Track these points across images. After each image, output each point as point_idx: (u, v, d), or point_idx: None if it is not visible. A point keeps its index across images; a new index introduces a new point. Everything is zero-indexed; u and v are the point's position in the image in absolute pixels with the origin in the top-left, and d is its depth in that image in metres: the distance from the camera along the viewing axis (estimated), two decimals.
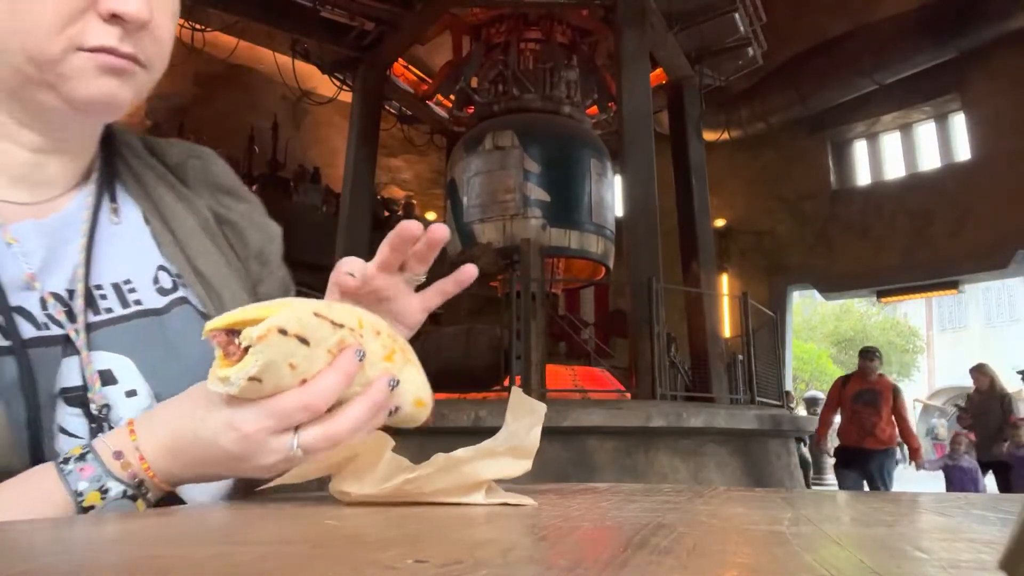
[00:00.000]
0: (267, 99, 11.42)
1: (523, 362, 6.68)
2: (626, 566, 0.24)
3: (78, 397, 0.53)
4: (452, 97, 10.76)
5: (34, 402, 0.52)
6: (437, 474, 0.45)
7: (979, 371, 6.98)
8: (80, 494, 0.46)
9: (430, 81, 11.13)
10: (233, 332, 0.43)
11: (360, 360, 0.45)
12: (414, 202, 13.82)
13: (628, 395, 7.39)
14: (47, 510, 0.45)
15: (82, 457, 0.48)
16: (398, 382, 0.47)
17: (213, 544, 0.31)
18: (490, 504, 0.46)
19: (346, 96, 10.44)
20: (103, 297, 0.59)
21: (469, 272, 0.58)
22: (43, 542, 0.32)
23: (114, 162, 0.66)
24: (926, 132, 12.04)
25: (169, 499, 0.56)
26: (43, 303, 0.56)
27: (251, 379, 0.43)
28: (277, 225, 0.77)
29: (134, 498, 0.47)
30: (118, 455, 0.47)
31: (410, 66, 11.15)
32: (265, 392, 0.44)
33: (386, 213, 12.91)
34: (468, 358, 6.87)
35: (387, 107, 11.19)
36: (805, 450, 9.45)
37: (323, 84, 10.62)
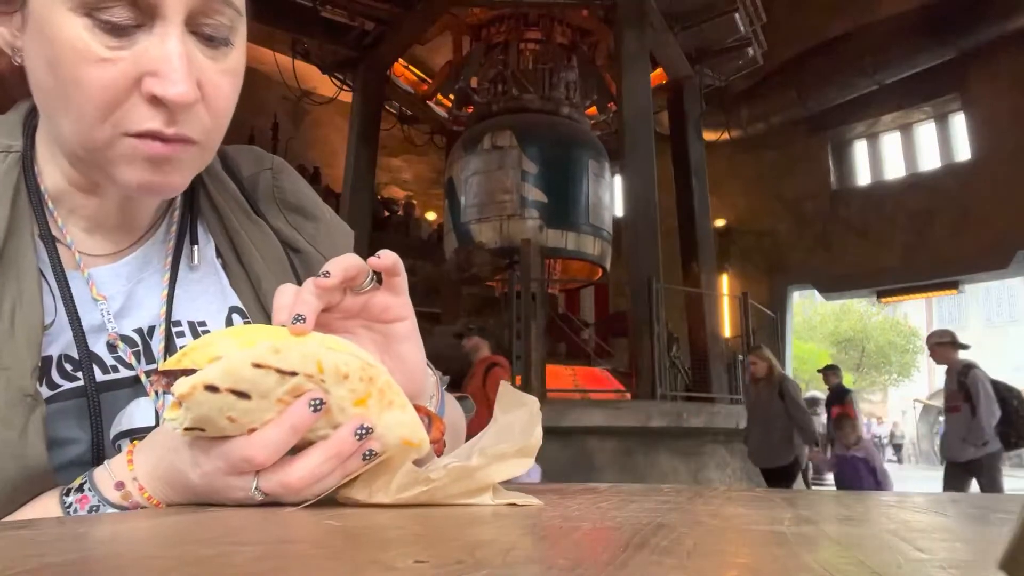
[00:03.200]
0: (267, 99, 11.42)
1: (523, 362, 6.68)
2: (626, 566, 0.24)
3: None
4: (452, 97, 10.76)
5: (99, 444, 0.54)
6: (451, 484, 0.45)
7: (755, 355, 5.53)
8: None
9: (430, 81, 11.14)
10: (176, 374, 0.41)
11: (315, 410, 0.42)
12: (414, 202, 13.83)
13: (628, 395, 7.39)
14: None
15: (80, 488, 0.48)
16: (369, 430, 0.43)
17: (213, 544, 0.31)
18: (498, 504, 0.46)
19: (346, 96, 10.44)
20: (180, 335, 0.60)
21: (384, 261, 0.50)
22: (44, 542, 0.32)
23: (194, 192, 0.65)
24: (926, 132, 12.05)
25: None
26: (111, 347, 0.56)
27: (189, 429, 0.42)
28: (349, 235, 0.75)
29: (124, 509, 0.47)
30: (119, 486, 0.47)
31: (410, 66, 11.16)
32: (213, 436, 0.43)
33: (386, 213, 12.91)
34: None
35: (387, 107, 11.19)
36: (804, 450, 9.43)
37: (323, 84, 10.62)
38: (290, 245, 0.68)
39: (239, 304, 0.64)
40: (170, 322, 0.60)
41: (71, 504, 0.47)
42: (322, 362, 0.42)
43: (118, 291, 0.59)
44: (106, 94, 0.49)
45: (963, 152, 11.22)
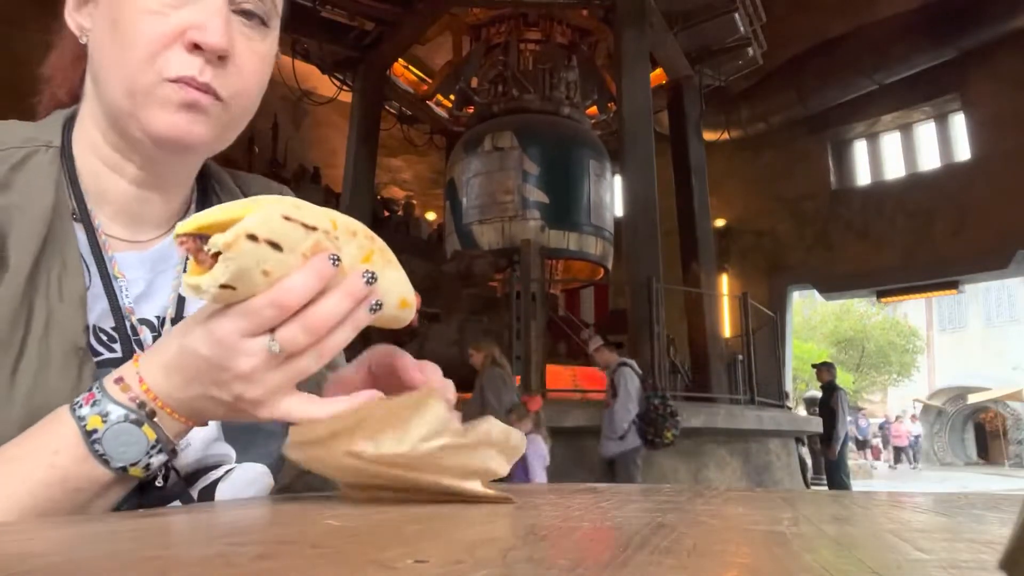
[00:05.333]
0: (267, 99, 11.30)
1: (523, 362, 6.68)
2: (626, 566, 0.24)
3: None
4: (452, 97, 10.76)
5: None
6: (469, 450, 0.45)
7: (473, 346, 5.33)
8: (83, 419, 0.48)
9: (430, 81, 11.14)
10: (203, 237, 0.42)
11: (334, 264, 0.44)
12: (414, 202, 13.83)
13: None
14: (55, 440, 0.48)
15: (88, 389, 0.50)
16: (375, 276, 0.46)
17: (213, 544, 0.31)
18: (483, 494, 0.46)
19: (346, 96, 10.44)
20: None
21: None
22: (43, 542, 0.32)
23: (208, 199, 0.71)
24: (926, 132, 12.05)
25: (186, 500, 0.57)
26: (133, 329, 0.60)
27: (223, 287, 0.42)
28: None
29: (139, 423, 0.48)
30: (119, 380, 0.49)
31: (410, 66, 11.16)
32: (240, 299, 0.44)
33: (386, 213, 12.91)
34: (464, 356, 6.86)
35: (387, 107, 11.19)
36: (804, 450, 9.43)
37: (323, 84, 10.62)
38: None
39: None
40: (180, 316, 0.63)
41: (78, 401, 0.49)
42: (335, 220, 0.45)
43: (140, 277, 0.63)
44: (153, 41, 0.56)
45: (963, 152, 11.23)
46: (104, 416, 0.48)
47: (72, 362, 0.54)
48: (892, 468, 20.92)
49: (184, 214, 0.69)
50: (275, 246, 0.42)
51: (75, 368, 0.54)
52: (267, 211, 0.42)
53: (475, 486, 0.46)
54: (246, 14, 0.60)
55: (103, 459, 0.48)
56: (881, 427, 22.69)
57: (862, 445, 21.75)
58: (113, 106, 0.59)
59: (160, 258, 0.65)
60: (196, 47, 0.56)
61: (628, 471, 5.15)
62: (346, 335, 0.47)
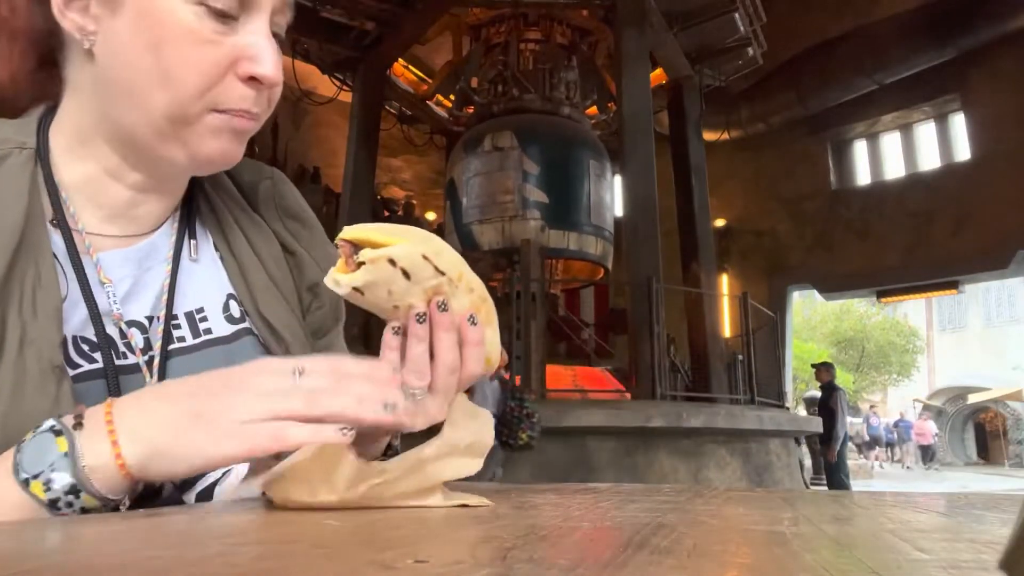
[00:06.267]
0: None
1: (523, 362, 6.67)
2: (626, 566, 0.24)
3: None
4: (452, 97, 10.76)
5: None
6: (403, 477, 0.45)
7: None
8: (23, 438, 0.46)
9: (430, 81, 11.13)
10: (357, 247, 0.49)
11: (419, 321, 0.49)
12: (414, 202, 13.82)
13: (628, 395, 7.39)
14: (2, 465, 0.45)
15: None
16: (475, 320, 0.51)
17: (213, 544, 0.31)
18: (449, 506, 0.46)
19: (346, 96, 10.43)
20: (176, 327, 0.63)
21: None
22: (42, 542, 0.32)
23: (196, 195, 0.70)
24: (926, 132, 12.04)
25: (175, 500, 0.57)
26: (122, 333, 0.59)
27: (355, 289, 0.49)
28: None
29: (58, 432, 0.45)
30: (80, 403, 0.49)
31: (410, 66, 11.15)
32: (364, 303, 0.50)
33: (386, 213, 12.91)
34: None
35: (387, 107, 11.18)
36: (804, 450, 9.43)
37: (323, 84, 10.61)
38: (286, 247, 0.72)
39: (234, 292, 0.68)
40: (170, 314, 0.62)
41: (24, 438, 0.46)
42: (463, 273, 0.52)
43: (127, 275, 0.62)
44: (209, 72, 0.56)
45: (963, 152, 11.22)
46: (35, 428, 0.46)
47: (49, 380, 0.52)
48: (909, 469, 20.75)
49: (176, 210, 0.67)
50: (406, 275, 0.49)
51: (52, 386, 0.51)
52: (413, 247, 0.49)
53: (436, 500, 0.46)
54: (273, 36, 0.61)
55: (16, 469, 0.45)
56: (896, 425, 22.51)
57: (874, 444, 21.48)
58: (142, 125, 0.57)
59: (146, 255, 0.63)
60: (251, 79, 0.57)
61: (483, 473, 5.20)
62: (338, 405, 0.46)
